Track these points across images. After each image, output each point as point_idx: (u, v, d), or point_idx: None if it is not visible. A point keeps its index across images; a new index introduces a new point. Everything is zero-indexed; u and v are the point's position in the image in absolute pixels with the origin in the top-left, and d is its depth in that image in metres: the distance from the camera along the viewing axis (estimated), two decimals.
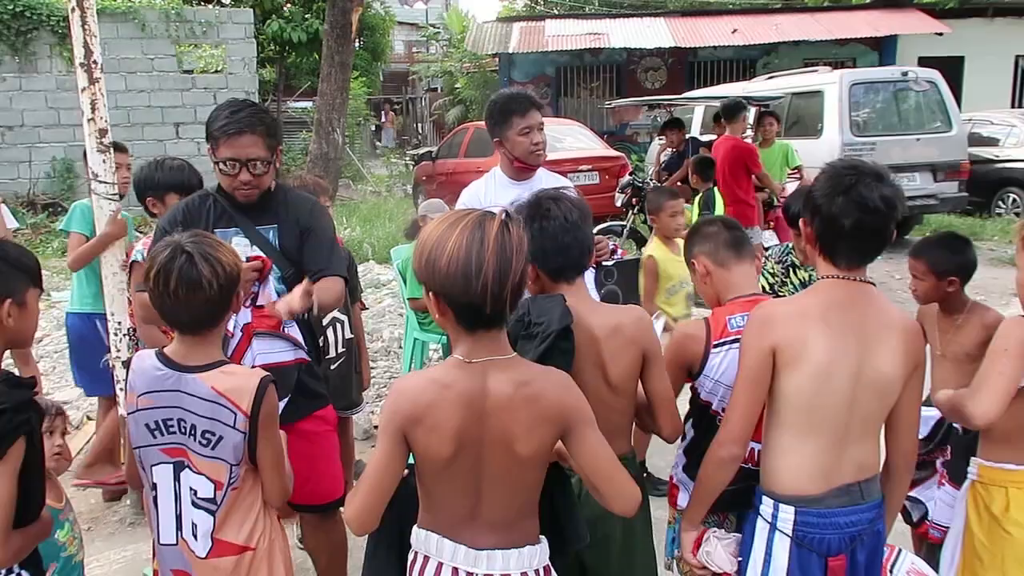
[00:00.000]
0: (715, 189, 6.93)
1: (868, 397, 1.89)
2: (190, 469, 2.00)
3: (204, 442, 1.96)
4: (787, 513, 1.92)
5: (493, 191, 3.23)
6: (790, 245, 3.50)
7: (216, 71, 13.84)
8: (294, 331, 2.65)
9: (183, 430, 1.98)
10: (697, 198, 7.09)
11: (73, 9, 3.35)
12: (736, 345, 2.13)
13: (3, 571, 1.83)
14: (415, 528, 1.79)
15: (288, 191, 2.86)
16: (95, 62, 3.41)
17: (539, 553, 1.76)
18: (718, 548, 2.03)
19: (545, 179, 3.29)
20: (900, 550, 2.09)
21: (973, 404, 2.09)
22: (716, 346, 2.21)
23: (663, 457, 2.52)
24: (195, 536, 2.02)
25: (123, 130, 11.77)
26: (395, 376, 5.92)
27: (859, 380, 1.87)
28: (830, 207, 1.86)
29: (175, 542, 2.04)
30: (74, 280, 4.07)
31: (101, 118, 3.45)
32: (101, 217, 3.54)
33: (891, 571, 2.02)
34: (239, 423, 1.94)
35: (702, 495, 2.05)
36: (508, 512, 1.73)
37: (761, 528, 1.97)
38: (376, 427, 5.10)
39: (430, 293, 1.63)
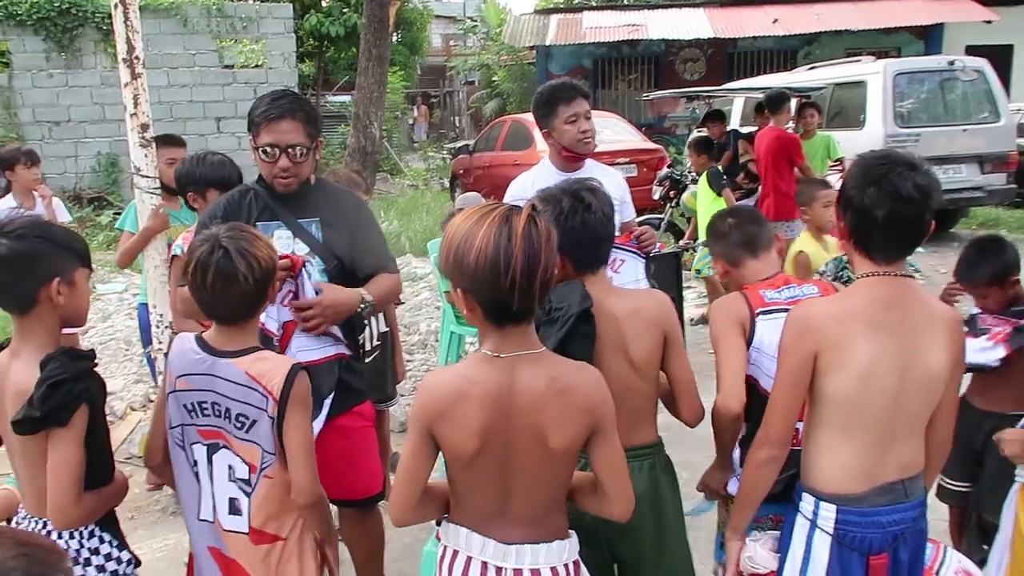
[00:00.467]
0: (718, 167, 6.90)
1: (914, 395, 1.85)
2: (228, 449, 2.04)
3: (238, 425, 2.01)
4: (828, 511, 1.89)
5: (543, 182, 3.19)
6: (844, 258, 3.42)
7: (256, 66, 14.02)
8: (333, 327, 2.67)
9: (217, 413, 2.02)
10: (702, 178, 7.06)
11: (116, 6, 3.41)
12: (775, 315, 2.14)
13: (82, 530, 1.95)
14: (445, 522, 1.80)
15: (328, 185, 2.88)
16: (137, 58, 3.47)
17: (568, 547, 1.76)
18: (758, 549, 2.01)
19: (595, 170, 3.25)
20: (946, 549, 2.05)
21: None
22: (760, 314, 2.21)
23: (703, 452, 2.48)
24: (236, 512, 2.05)
25: (165, 125, 11.94)
26: (431, 369, 5.95)
27: (905, 378, 1.83)
28: (862, 198, 1.81)
29: (212, 519, 2.08)
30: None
31: (143, 113, 3.51)
32: (143, 211, 3.60)
33: (937, 573, 1.98)
34: (269, 407, 1.97)
35: (746, 501, 2.02)
36: (537, 507, 1.73)
37: (801, 525, 1.94)
38: None
39: (458, 289, 1.63)
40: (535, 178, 3.19)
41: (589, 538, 1.96)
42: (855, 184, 1.84)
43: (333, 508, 2.54)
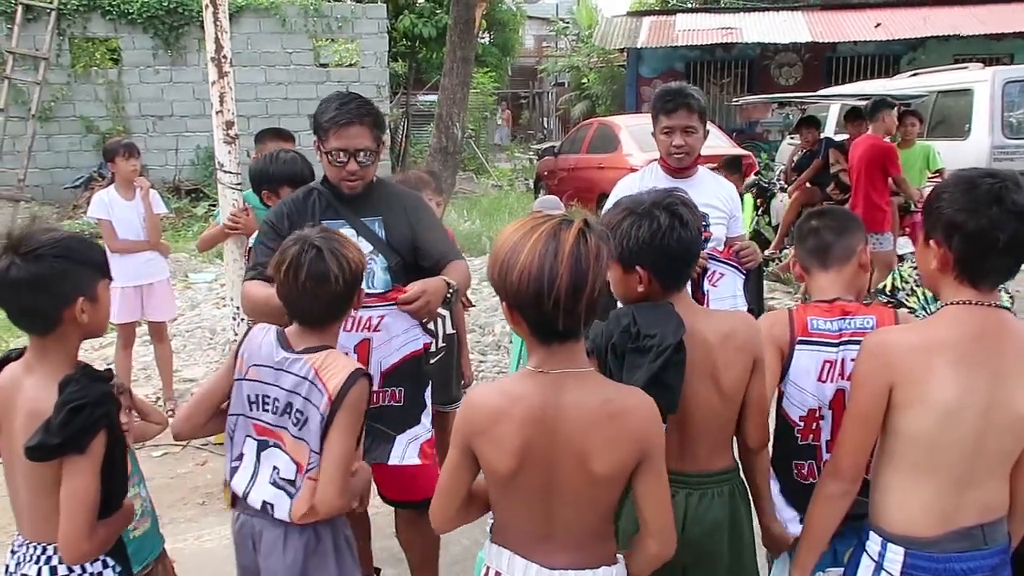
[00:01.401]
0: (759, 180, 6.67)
1: (1000, 437, 1.70)
2: (279, 448, 2.04)
3: (295, 421, 2.00)
4: (896, 554, 1.76)
5: (650, 183, 3.15)
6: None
7: (350, 65, 14.31)
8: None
9: (277, 409, 2.03)
10: (747, 196, 6.82)
11: (206, 6, 3.51)
12: (815, 348, 2.05)
13: (94, 562, 1.87)
14: (488, 542, 1.76)
15: (389, 185, 2.90)
16: (225, 57, 3.57)
17: (614, 571, 1.69)
18: None
19: (707, 180, 3.19)
20: None
21: None
22: (800, 342, 2.09)
23: None
24: (272, 512, 2.05)
25: (261, 121, 12.35)
26: (503, 371, 5.94)
27: (990, 420, 1.68)
28: (978, 220, 1.64)
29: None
30: None
31: (228, 111, 3.61)
32: (225, 206, 3.70)
33: None
34: (323, 404, 1.96)
35: (814, 540, 1.91)
36: (581, 532, 1.67)
37: (866, 566, 1.82)
38: None
39: (504, 303, 1.59)
40: (642, 180, 3.14)
41: (664, 564, 1.91)
42: (964, 205, 1.66)
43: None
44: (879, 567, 1.79)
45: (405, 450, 2.63)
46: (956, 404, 1.67)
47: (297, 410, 2.00)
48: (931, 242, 1.75)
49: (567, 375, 1.58)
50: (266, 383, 2.04)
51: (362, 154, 2.62)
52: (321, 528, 2.07)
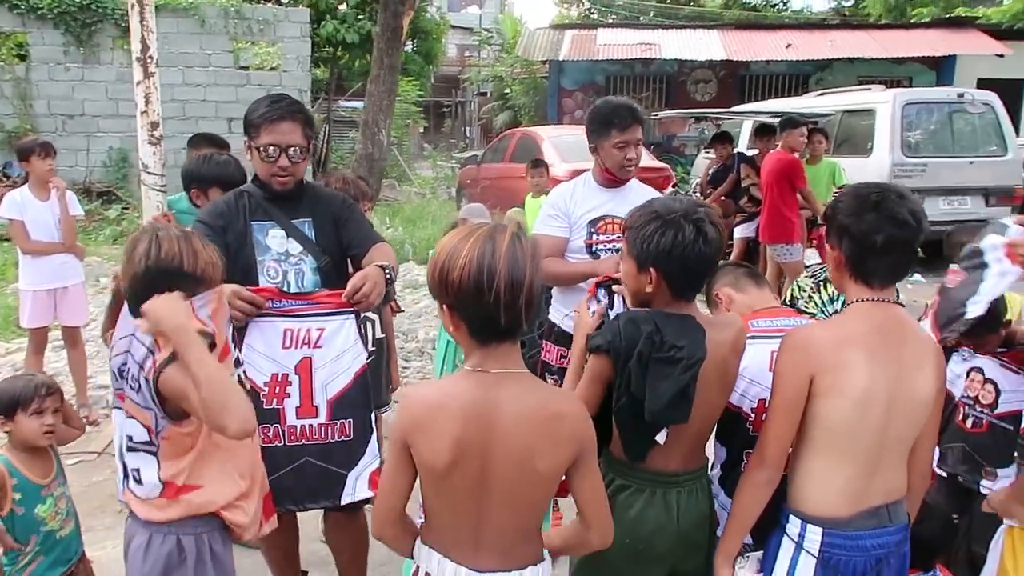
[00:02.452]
0: None
1: (903, 421, 1.89)
2: (125, 414, 2.06)
3: (134, 386, 2.01)
4: (814, 534, 1.91)
5: (582, 194, 3.24)
6: (821, 268, 3.46)
7: (271, 68, 14.11)
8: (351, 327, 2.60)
9: (124, 375, 2.05)
10: None
11: (132, 5, 3.47)
12: (758, 341, 2.16)
13: None
14: (418, 541, 1.78)
15: (318, 187, 2.94)
16: (151, 57, 3.54)
17: (539, 569, 1.74)
18: (743, 571, 2.02)
19: (637, 189, 3.29)
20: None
21: None
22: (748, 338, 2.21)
23: None
24: (139, 482, 2.06)
25: (178, 123, 12.07)
26: (427, 376, 5.98)
27: (895, 405, 1.86)
28: (860, 225, 1.86)
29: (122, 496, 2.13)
30: None
31: (154, 111, 3.57)
32: (149, 207, 3.66)
33: None
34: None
35: (739, 525, 2.01)
36: (510, 532, 1.70)
37: (787, 547, 1.96)
38: None
39: (443, 306, 1.64)
40: (574, 190, 3.25)
41: (657, 562, 2.01)
42: (851, 212, 1.88)
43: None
44: (799, 547, 1.93)
45: (356, 485, 2.60)
46: (867, 392, 1.84)
47: (133, 375, 2.01)
48: (828, 245, 1.96)
49: (505, 375, 1.63)
50: (123, 352, 2.06)
51: (292, 150, 2.64)
52: (184, 538, 2.07)
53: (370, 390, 2.62)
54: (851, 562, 1.89)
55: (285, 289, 2.63)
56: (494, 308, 1.56)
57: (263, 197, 2.73)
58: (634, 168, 3.20)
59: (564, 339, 3.21)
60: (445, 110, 31.69)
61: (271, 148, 2.62)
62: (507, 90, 22.61)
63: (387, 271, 2.63)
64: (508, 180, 11.83)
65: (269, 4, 14.91)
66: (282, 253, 2.71)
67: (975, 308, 2.35)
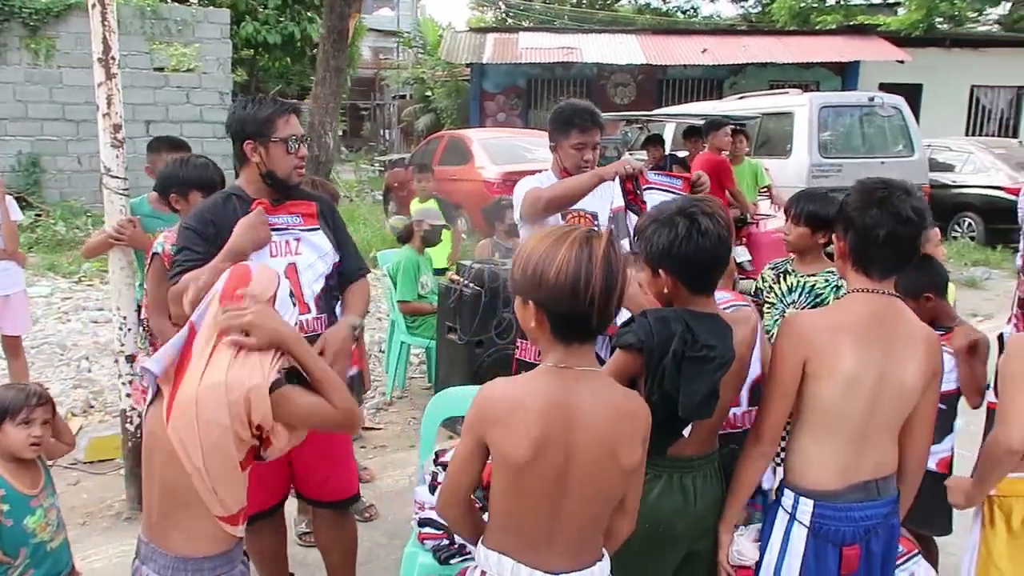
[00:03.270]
0: None
1: (889, 404, 2.03)
2: None
3: None
4: (807, 506, 2.05)
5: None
6: (790, 259, 3.61)
7: (187, 70, 13.74)
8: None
9: None
10: None
11: (94, 5, 3.40)
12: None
13: None
14: (480, 546, 1.81)
15: (304, 190, 2.95)
16: (113, 58, 3.47)
17: (604, 566, 1.82)
18: (743, 542, 2.14)
19: (596, 190, 3.41)
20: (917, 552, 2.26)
21: (1006, 435, 2.12)
22: None
23: None
24: None
25: (93, 126, 11.60)
26: (376, 380, 5.97)
27: (882, 389, 2.00)
28: (864, 219, 1.99)
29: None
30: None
31: (116, 113, 3.50)
32: (111, 212, 3.58)
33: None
34: None
35: (739, 497, 2.14)
36: (588, 527, 1.76)
37: (781, 518, 2.10)
38: (369, 428, 5.17)
39: (530, 302, 1.68)
40: (542, 183, 3.35)
41: (674, 544, 2.10)
42: (858, 206, 2.02)
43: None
44: (792, 518, 2.07)
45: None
46: (854, 375, 1.98)
47: None
48: (835, 236, 2.11)
49: (585, 372, 1.70)
50: None
51: (303, 142, 2.73)
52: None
53: (332, 289, 2.82)
54: (840, 532, 2.03)
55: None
56: (587, 310, 1.63)
57: (251, 200, 2.73)
58: (590, 170, 3.32)
59: None
60: (363, 113, 31.38)
61: (293, 139, 2.67)
62: (429, 93, 22.57)
63: (356, 329, 2.78)
64: (439, 183, 11.84)
65: (187, 4, 14.51)
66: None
67: None
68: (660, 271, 2.04)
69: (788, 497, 2.10)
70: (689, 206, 2.04)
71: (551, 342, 1.71)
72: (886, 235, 1.98)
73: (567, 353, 1.70)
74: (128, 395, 3.75)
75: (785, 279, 3.58)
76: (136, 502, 3.94)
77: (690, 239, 1.98)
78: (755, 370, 2.28)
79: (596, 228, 1.72)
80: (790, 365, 2.02)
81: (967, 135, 16.72)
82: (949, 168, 12.11)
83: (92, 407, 5.35)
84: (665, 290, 2.05)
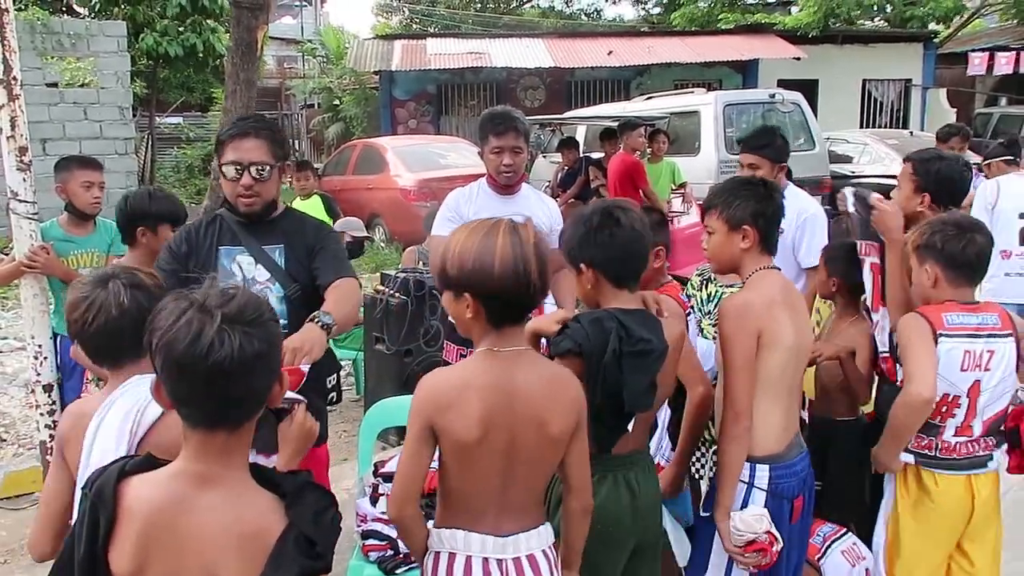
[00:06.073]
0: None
1: (801, 364, 2.30)
2: None
3: None
4: (763, 471, 2.21)
5: (475, 200, 3.41)
6: (706, 267, 3.69)
7: (82, 84, 13.21)
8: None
9: None
10: None
11: None
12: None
13: None
14: (433, 529, 1.89)
15: (296, 213, 2.85)
16: (15, 78, 3.33)
17: (548, 531, 1.92)
18: (739, 517, 2.17)
19: (531, 197, 3.46)
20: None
21: (918, 390, 2.28)
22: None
23: None
24: None
25: None
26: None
27: (800, 350, 2.26)
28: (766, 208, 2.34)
29: None
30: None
31: (21, 135, 3.36)
32: (21, 238, 3.44)
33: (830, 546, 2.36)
34: None
35: (730, 477, 2.20)
36: (531, 494, 1.88)
37: (740, 489, 2.22)
38: None
39: (465, 295, 1.75)
40: (471, 195, 3.40)
41: (623, 542, 2.14)
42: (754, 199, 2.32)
43: None
44: (749, 487, 2.21)
45: None
46: (794, 342, 2.20)
47: None
48: (744, 227, 2.28)
49: (518, 352, 1.82)
50: None
51: (256, 168, 2.53)
52: None
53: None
54: (789, 487, 2.23)
55: None
56: (526, 292, 1.73)
57: (235, 221, 2.64)
58: (514, 175, 3.37)
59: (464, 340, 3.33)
60: None
61: (234, 166, 2.53)
62: (336, 101, 22.28)
63: (322, 324, 2.30)
64: (354, 192, 11.75)
65: (83, 17, 13.95)
66: (248, 280, 2.61)
67: None
68: (582, 265, 2.10)
69: (744, 469, 2.21)
70: (604, 204, 2.19)
71: (485, 329, 1.80)
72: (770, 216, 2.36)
73: (500, 336, 1.80)
74: (47, 426, 3.61)
75: (707, 286, 3.70)
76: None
77: (604, 229, 2.07)
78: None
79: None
80: (747, 341, 2.16)
81: (861, 127, 17.45)
82: (847, 160, 12.64)
83: (3, 440, 5.13)
84: (589, 286, 2.12)
